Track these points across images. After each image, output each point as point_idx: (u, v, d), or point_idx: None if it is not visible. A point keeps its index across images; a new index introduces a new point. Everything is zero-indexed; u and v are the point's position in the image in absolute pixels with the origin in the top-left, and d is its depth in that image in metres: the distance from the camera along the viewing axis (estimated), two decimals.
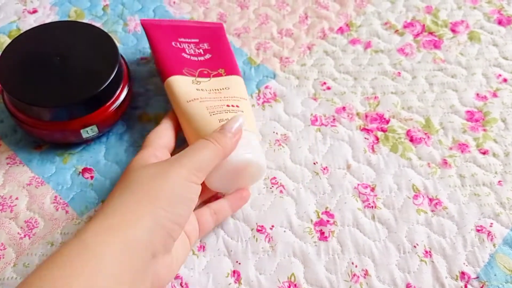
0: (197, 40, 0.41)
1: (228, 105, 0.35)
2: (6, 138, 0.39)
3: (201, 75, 0.38)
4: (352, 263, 0.33)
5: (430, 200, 0.35)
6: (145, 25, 0.40)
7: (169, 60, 0.38)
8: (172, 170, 0.28)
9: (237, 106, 0.35)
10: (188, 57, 0.39)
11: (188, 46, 0.40)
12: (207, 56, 0.40)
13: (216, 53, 0.40)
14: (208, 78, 0.37)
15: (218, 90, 0.37)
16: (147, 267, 0.26)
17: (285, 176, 0.37)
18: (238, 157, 0.31)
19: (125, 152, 0.38)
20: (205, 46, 0.40)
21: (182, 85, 0.36)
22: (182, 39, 0.40)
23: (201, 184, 0.30)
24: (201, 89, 0.36)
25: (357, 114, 0.40)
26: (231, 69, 0.39)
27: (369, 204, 0.35)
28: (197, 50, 0.40)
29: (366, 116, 0.40)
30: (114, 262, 0.24)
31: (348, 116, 0.40)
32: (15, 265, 0.33)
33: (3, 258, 0.33)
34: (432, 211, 0.35)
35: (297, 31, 0.46)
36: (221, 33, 0.43)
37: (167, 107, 0.40)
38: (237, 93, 0.37)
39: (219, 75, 0.38)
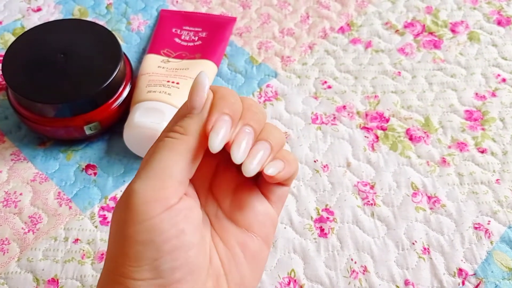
0: (199, 29, 0.44)
1: (168, 81, 0.37)
2: (10, 135, 0.39)
3: (177, 57, 0.41)
4: (352, 260, 0.33)
5: (429, 198, 0.36)
6: (162, 13, 0.46)
7: (156, 43, 0.42)
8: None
9: (177, 83, 0.37)
10: (179, 41, 0.42)
11: (187, 33, 0.43)
12: (198, 42, 0.43)
13: (208, 41, 0.43)
14: (180, 60, 0.40)
15: (177, 69, 0.40)
16: None
17: None
18: (144, 124, 0.34)
19: (127, 149, 0.39)
20: (203, 34, 0.43)
21: (150, 62, 0.40)
22: (186, 27, 0.44)
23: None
24: (162, 67, 0.40)
25: (357, 112, 0.41)
26: (207, 54, 0.41)
27: (369, 201, 0.36)
28: (192, 37, 0.43)
29: (366, 115, 0.41)
30: None
31: (348, 114, 0.41)
32: (19, 260, 0.33)
33: (8, 252, 0.33)
34: (431, 208, 0.35)
35: (298, 30, 0.47)
36: (227, 25, 0.44)
37: None
38: (192, 74, 0.39)
39: (193, 58, 0.41)
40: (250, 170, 0.21)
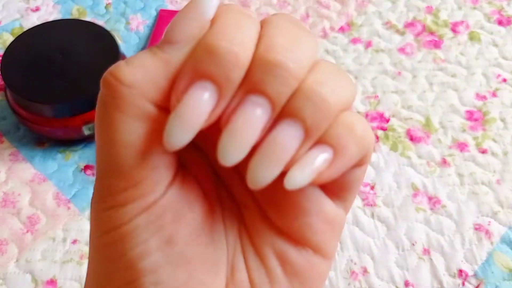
0: None
1: None
2: (9, 135, 0.39)
3: None
4: (351, 261, 0.33)
5: (429, 198, 0.36)
6: (161, 13, 0.46)
7: (155, 42, 0.43)
8: None
9: None
10: None
11: None
12: None
13: None
14: None
15: None
16: None
17: None
18: None
19: None
20: None
21: None
22: None
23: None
24: None
25: (358, 113, 0.41)
26: None
27: (369, 202, 0.36)
28: None
29: (367, 115, 0.40)
30: None
31: None
32: (18, 260, 0.33)
33: (6, 253, 0.33)
34: (431, 209, 0.35)
35: None
36: None
37: None
38: None
39: None
40: (256, 184, 0.13)
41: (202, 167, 0.16)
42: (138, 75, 0.13)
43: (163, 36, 0.13)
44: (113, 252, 0.14)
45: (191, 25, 0.13)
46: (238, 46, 0.12)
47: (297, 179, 0.13)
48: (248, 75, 0.13)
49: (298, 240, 0.15)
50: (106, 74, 0.13)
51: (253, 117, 0.12)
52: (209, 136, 0.15)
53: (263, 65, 0.13)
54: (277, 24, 0.13)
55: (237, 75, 0.13)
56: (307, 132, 0.13)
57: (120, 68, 0.13)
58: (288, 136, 0.13)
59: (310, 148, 0.13)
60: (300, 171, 0.13)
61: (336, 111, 0.13)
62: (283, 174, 0.13)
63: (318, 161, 0.13)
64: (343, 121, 0.13)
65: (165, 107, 0.13)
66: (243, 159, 0.13)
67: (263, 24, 0.14)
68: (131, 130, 0.13)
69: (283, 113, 0.13)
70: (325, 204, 0.15)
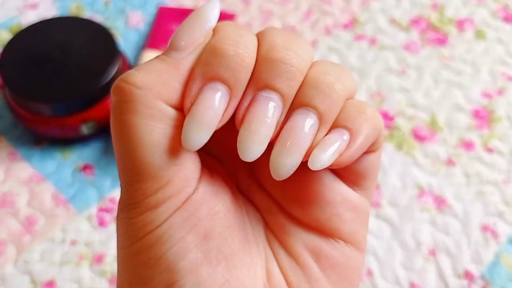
0: None
1: None
2: (6, 134, 0.39)
3: None
4: None
5: (435, 198, 0.35)
6: (161, 10, 0.46)
7: (155, 39, 0.42)
8: None
9: None
10: None
11: None
12: None
13: None
14: None
15: None
16: None
17: None
18: None
19: None
20: None
21: (148, 59, 0.42)
22: None
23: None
24: None
25: None
26: None
27: (373, 202, 0.35)
28: None
29: None
30: None
31: None
32: (16, 262, 0.32)
33: (4, 254, 0.33)
34: (437, 209, 0.35)
35: (301, 27, 0.46)
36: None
37: None
38: None
39: None
40: (281, 173, 0.14)
41: (226, 180, 0.16)
42: (150, 77, 0.13)
43: (168, 44, 0.14)
44: (149, 257, 0.14)
45: (196, 32, 0.14)
46: (243, 49, 0.14)
47: (321, 159, 0.14)
48: (255, 74, 0.14)
49: (328, 232, 0.16)
50: (117, 82, 0.14)
51: (267, 111, 0.13)
52: (228, 149, 0.16)
53: (268, 63, 0.14)
54: (272, 31, 0.15)
55: (244, 75, 0.14)
56: (321, 118, 0.14)
57: (131, 74, 0.14)
58: (305, 124, 0.14)
59: (327, 133, 0.14)
60: (323, 152, 0.14)
61: (344, 96, 0.14)
62: (302, 168, 0.14)
63: (338, 142, 0.14)
64: (353, 105, 0.15)
65: (180, 108, 0.14)
66: (260, 157, 0.14)
67: (258, 35, 0.15)
68: (151, 130, 0.13)
69: (295, 105, 0.14)
70: (348, 193, 0.16)
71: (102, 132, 0.38)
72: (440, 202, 0.35)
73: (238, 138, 0.14)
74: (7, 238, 0.33)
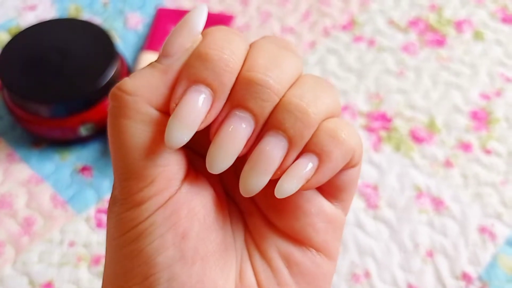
0: None
1: None
2: (5, 136, 0.39)
3: None
4: (354, 263, 0.32)
5: (433, 200, 0.35)
6: (159, 11, 0.46)
7: (153, 41, 0.43)
8: None
9: None
10: None
11: None
12: None
13: None
14: None
15: None
16: None
17: None
18: None
19: None
20: None
21: (146, 60, 0.41)
22: None
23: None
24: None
25: (360, 113, 0.40)
26: None
27: (371, 203, 0.35)
28: None
29: (369, 115, 0.40)
30: None
31: (350, 114, 0.40)
32: (15, 263, 0.32)
33: (3, 255, 0.33)
34: (435, 211, 0.35)
35: (299, 28, 0.46)
36: (224, 24, 0.44)
37: None
38: None
39: None
40: (248, 191, 0.14)
41: (213, 181, 0.17)
42: (140, 84, 0.14)
43: (160, 52, 0.15)
44: (131, 249, 0.15)
45: (183, 38, 0.15)
46: (228, 54, 0.14)
47: (286, 188, 0.14)
48: (232, 92, 0.14)
49: (301, 241, 0.16)
50: (113, 89, 0.15)
51: (237, 129, 0.14)
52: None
53: (245, 83, 0.14)
54: (261, 46, 0.15)
55: (228, 79, 0.14)
56: (290, 142, 0.14)
57: (124, 81, 0.15)
58: (273, 147, 0.14)
59: (297, 157, 0.15)
60: (288, 181, 0.14)
61: (317, 120, 0.14)
62: (276, 181, 0.15)
63: (304, 169, 0.14)
64: (326, 128, 0.15)
65: (167, 111, 0.15)
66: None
67: (250, 45, 0.15)
68: (139, 133, 0.14)
69: (267, 126, 0.14)
70: (324, 205, 0.16)
71: (100, 133, 0.39)
72: (438, 203, 0.35)
73: (208, 151, 0.14)
74: (6, 239, 0.33)
